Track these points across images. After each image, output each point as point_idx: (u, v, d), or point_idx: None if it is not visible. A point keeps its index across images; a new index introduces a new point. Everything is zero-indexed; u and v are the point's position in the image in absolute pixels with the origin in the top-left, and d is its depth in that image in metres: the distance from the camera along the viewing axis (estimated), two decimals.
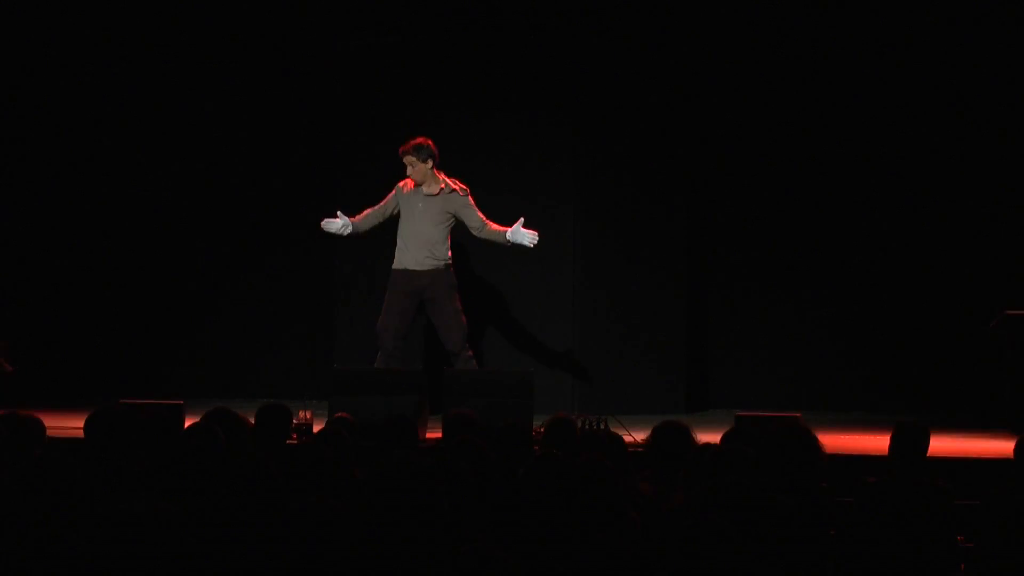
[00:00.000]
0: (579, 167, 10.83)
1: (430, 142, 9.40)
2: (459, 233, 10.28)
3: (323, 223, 9.54)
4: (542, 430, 6.53)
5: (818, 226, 11.13)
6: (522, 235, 9.32)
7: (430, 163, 9.38)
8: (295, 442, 7.57)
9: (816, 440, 5.40)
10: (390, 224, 9.55)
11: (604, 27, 10.82)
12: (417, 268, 9.41)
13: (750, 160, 11.22)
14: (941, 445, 7.78)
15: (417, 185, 9.41)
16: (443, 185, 9.42)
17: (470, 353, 9.44)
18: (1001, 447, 7.95)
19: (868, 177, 11.04)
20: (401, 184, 9.50)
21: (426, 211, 9.40)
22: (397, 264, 9.48)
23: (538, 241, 9.35)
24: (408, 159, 9.38)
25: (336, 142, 11.15)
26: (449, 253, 9.47)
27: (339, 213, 9.48)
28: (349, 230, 9.51)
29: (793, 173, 11.15)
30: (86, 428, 5.84)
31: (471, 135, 10.73)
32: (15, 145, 11.63)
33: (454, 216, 9.44)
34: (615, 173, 10.85)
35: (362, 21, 11.08)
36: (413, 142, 9.39)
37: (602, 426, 7.68)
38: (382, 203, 9.55)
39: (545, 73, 10.78)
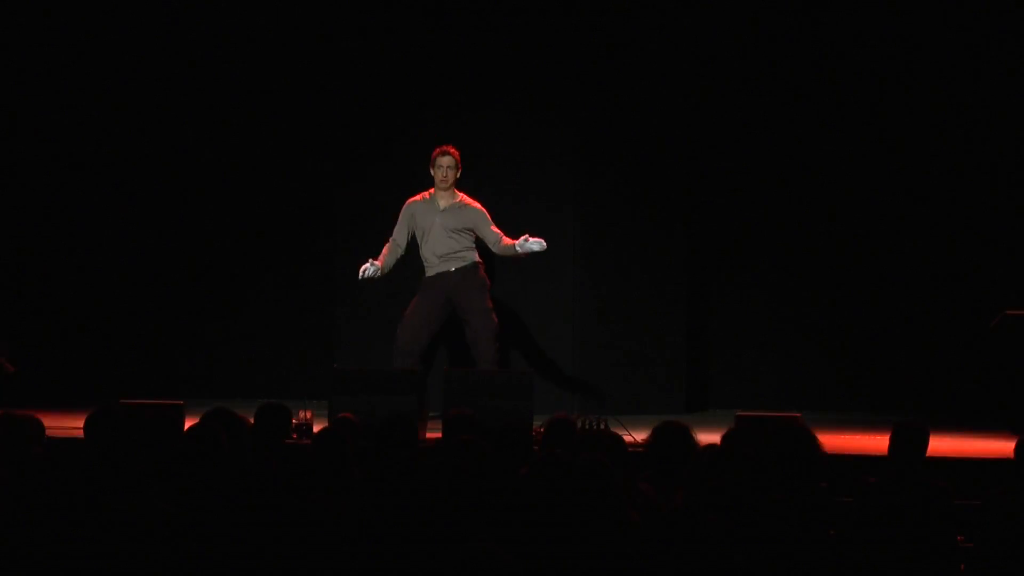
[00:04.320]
0: (579, 169, 10.83)
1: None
2: None
3: (360, 272, 9.47)
4: (542, 430, 6.53)
5: (818, 226, 11.12)
6: (531, 244, 9.31)
7: (457, 175, 9.45)
8: (295, 442, 7.58)
9: (816, 440, 5.41)
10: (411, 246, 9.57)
11: (605, 29, 10.82)
12: (448, 269, 9.44)
13: (750, 160, 11.21)
14: (941, 445, 7.78)
15: (432, 196, 9.44)
16: (456, 200, 9.47)
17: (497, 356, 9.46)
18: (1001, 447, 7.95)
19: (868, 177, 11.04)
20: (409, 202, 9.50)
21: (444, 224, 9.44)
22: (429, 272, 9.51)
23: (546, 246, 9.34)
24: (448, 160, 9.40)
25: (336, 142, 11.14)
26: (476, 255, 9.49)
27: (370, 260, 9.44)
28: (379, 273, 9.45)
29: (793, 173, 11.15)
30: (86, 428, 5.84)
31: (471, 136, 10.71)
32: (16, 145, 11.63)
33: (472, 230, 9.46)
34: (615, 174, 10.84)
35: (362, 21, 11.07)
36: (457, 151, 9.45)
37: (602, 426, 7.68)
38: (392, 239, 9.49)
39: (546, 75, 10.77)
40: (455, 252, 9.47)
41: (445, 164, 9.40)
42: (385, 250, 9.49)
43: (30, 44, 11.53)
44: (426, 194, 9.52)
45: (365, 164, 10.88)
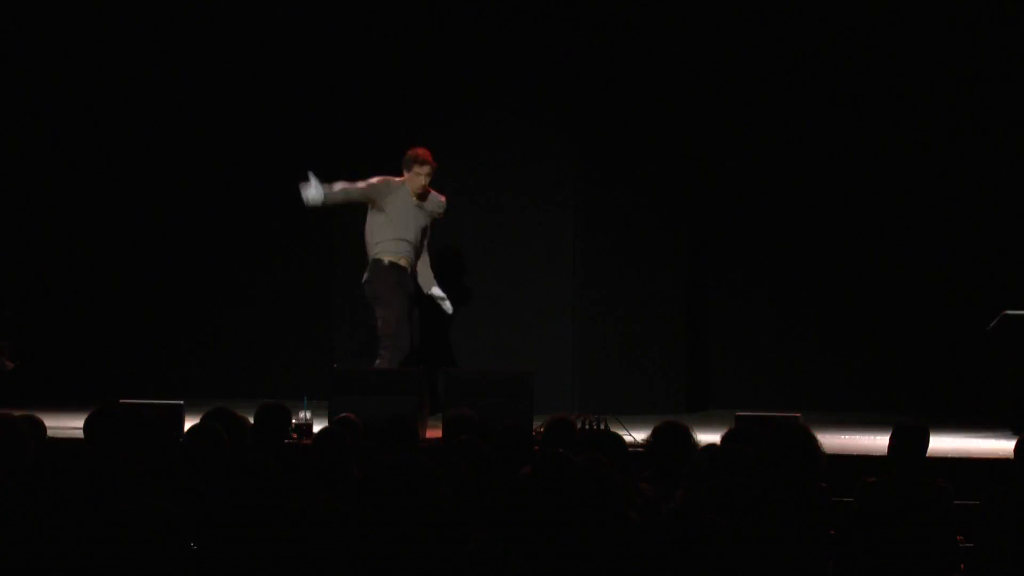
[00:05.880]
0: (579, 168, 10.82)
1: None
2: (460, 234, 10.28)
3: (301, 186, 9.53)
4: (542, 430, 6.53)
5: (818, 226, 11.13)
6: (440, 296, 9.60)
7: None
8: (295, 442, 7.59)
9: (816, 440, 5.41)
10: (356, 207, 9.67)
11: (604, 28, 10.81)
12: (407, 267, 9.49)
13: (750, 160, 11.21)
14: (941, 445, 7.79)
15: (411, 193, 9.50)
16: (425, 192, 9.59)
17: None
18: (1001, 447, 7.96)
19: (868, 178, 11.04)
20: (396, 181, 9.53)
21: (419, 218, 9.54)
22: (395, 258, 9.48)
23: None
24: (431, 172, 9.47)
25: (336, 142, 11.14)
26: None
27: (311, 175, 9.49)
28: (321, 200, 9.48)
29: (793, 174, 11.15)
30: (86, 428, 5.84)
31: (471, 136, 10.73)
32: (16, 145, 11.63)
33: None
34: (615, 173, 10.84)
35: (363, 21, 11.07)
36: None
37: (602, 426, 7.68)
38: (361, 186, 9.55)
39: (545, 75, 10.76)
40: (420, 249, 9.60)
41: (431, 175, 9.52)
42: (343, 185, 9.56)
43: (30, 42, 11.53)
44: (396, 181, 9.58)
45: (365, 164, 10.86)
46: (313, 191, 9.46)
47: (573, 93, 10.77)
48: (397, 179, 9.56)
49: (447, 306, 9.72)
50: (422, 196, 9.53)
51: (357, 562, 3.84)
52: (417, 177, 9.46)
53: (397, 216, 9.45)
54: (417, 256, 9.58)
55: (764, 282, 11.26)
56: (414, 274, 9.58)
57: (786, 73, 11.11)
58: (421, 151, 9.49)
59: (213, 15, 11.50)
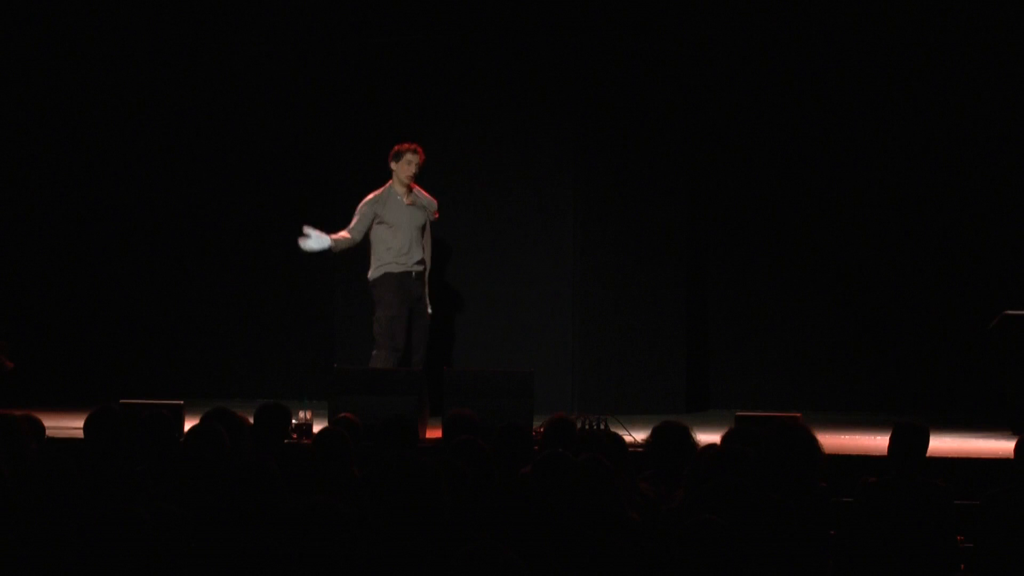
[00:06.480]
0: (579, 167, 10.82)
1: None
2: (460, 235, 10.28)
3: (300, 242, 9.51)
4: (542, 430, 6.52)
5: (819, 226, 11.13)
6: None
7: None
8: (295, 442, 7.58)
9: (816, 440, 5.40)
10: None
11: (603, 26, 10.82)
12: (410, 271, 9.47)
13: (751, 160, 11.22)
14: (941, 445, 7.79)
15: (398, 191, 9.46)
16: (413, 192, 9.54)
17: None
18: (1001, 447, 7.96)
19: (869, 177, 11.04)
20: (372, 197, 9.54)
21: (416, 218, 9.52)
22: (394, 268, 9.49)
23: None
24: (420, 157, 9.44)
25: (335, 142, 11.14)
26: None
27: (306, 228, 9.46)
28: (327, 245, 9.48)
29: (794, 173, 11.15)
30: (86, 428, 5.84)
31: (471, 135, 10.72)
32: (16, 146, 11.62)
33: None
34: (615, 173, 10.84)
35: (362, 21, 11.07)
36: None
37: (602, 426, 7.68)
38: (357, 219, 9.53)
39: (545, 73, 10.77)
40: (418, 250, 9.54)
41: (417, 164, 9.45)
42: (343, 234, 9.53)
43: (29, 41, 11.53)
44: (381, 190, 9.55)
45: (363, 164, 10.88)
46: (314, 241, 9.43)
47: (573, 92, 10.77)
48: (379, 190, 9.55)
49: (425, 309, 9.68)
50: (408, 197, 9.50)
51: (357, 562, 3.83)
52: (408, 166, 9.47)
53: (396, 226, 9.45)
54: (418, 255, 9.55)
55: (764, 282, 11.26)
56: (422, 273, 9.58)
57: (786, 74, 11.11)
58: (406, 143, 9.52)
59: (212, 12, 11.50)
